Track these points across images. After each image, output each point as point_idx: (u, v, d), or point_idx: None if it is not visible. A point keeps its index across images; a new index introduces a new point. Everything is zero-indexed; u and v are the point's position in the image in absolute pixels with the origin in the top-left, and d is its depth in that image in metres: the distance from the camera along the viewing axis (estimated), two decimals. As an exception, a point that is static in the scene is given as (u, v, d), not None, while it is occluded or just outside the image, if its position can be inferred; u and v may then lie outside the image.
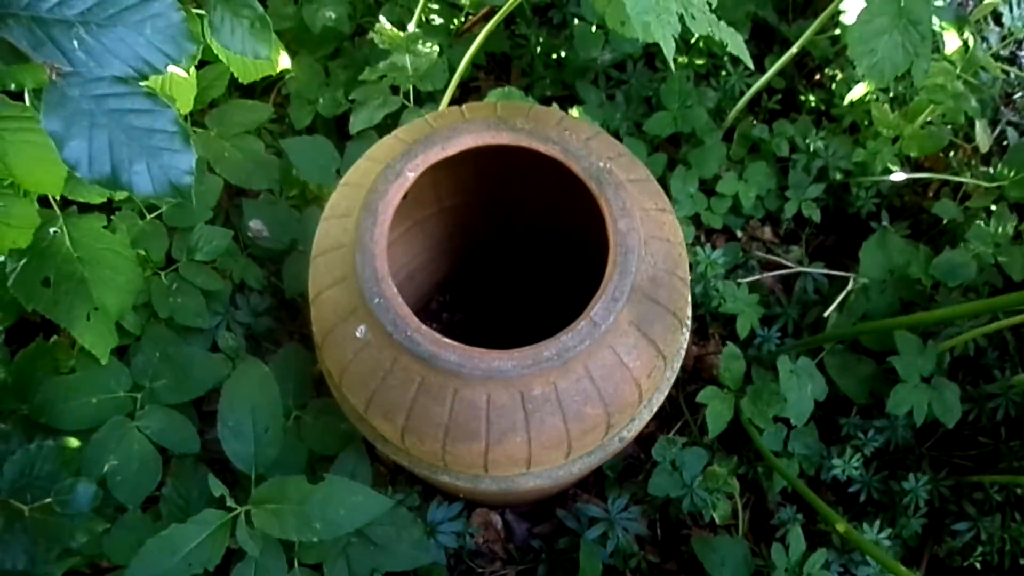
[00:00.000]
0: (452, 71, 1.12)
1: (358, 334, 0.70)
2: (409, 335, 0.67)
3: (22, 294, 0.80)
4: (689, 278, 0.78)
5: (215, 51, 0.88)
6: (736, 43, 0.78)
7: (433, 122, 0.81)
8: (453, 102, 1.12)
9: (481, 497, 1.06)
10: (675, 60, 1.27)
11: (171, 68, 0.89)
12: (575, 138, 0.76)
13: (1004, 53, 1.38)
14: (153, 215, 1.02)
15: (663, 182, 1.23)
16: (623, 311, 0.68)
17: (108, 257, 0.84)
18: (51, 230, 0.81)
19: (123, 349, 0.99)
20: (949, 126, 1.27)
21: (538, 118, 0.78)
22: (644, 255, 0.71)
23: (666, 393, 0.81)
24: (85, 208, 0.88)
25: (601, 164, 0.74)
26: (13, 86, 0.62)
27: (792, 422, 1.06)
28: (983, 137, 1.26)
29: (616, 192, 0.72)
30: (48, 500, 0.75)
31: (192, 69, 0.94)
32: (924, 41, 0.87)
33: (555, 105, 1.12)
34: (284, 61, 1.06)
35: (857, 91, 1.21)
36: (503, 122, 0.76)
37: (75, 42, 0.39)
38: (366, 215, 0.71)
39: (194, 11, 0.75)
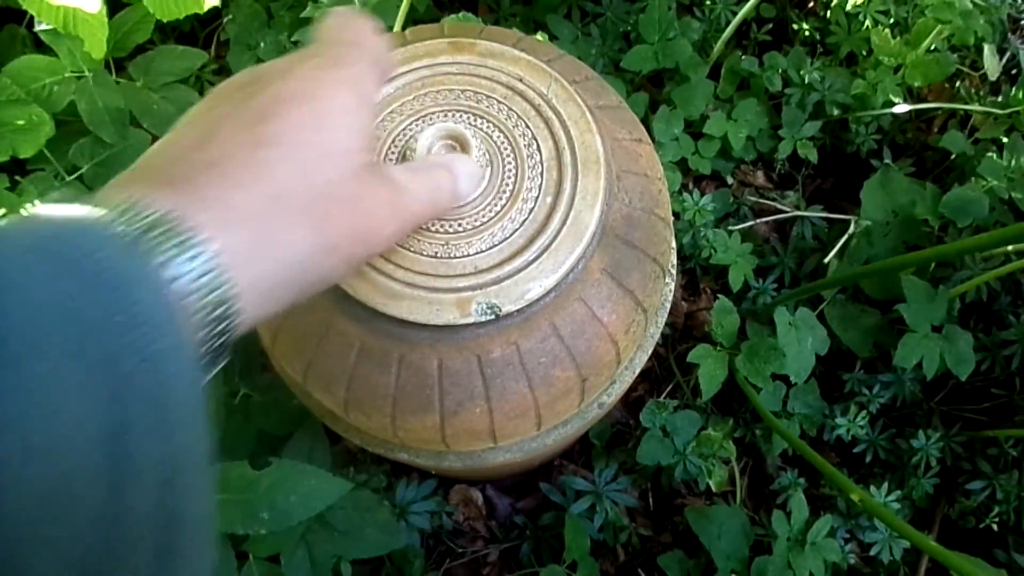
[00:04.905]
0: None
1: (286, 295, 0.60)
2: (342, 293, 0.57)
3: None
4: (671, 219, 0.68)
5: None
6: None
7: (373, 51, 0.70)
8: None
9: (451, 474, 0.98)
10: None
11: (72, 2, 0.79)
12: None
13: (1012, -28, 1.27)
14: (73, 176, 0.91)
15: (646, 124, 1.12)
16: (593, 257, 0.59)
17: (11, 222, 0.74)
18: (-61, 192, 0.70)
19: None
20: (955, 53, 1.16)
21: (491, 38, 0.67)
22: (617, 191, 0.61)
23: (650, 352, 0.72)
24: (-15, 168, 0.77)
25: (565, 89, 0.63)
26: None
27: (792, 379, 0.97)
28: (992, 63, 1.16)
29: (583, 120, 0.62)
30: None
31: (102, 6, 0.82)
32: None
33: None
34: (215, -4, 0.94)
35: None
36: (452, 44, 0.66)
37: None
38: (292, 157, 0.61)
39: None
